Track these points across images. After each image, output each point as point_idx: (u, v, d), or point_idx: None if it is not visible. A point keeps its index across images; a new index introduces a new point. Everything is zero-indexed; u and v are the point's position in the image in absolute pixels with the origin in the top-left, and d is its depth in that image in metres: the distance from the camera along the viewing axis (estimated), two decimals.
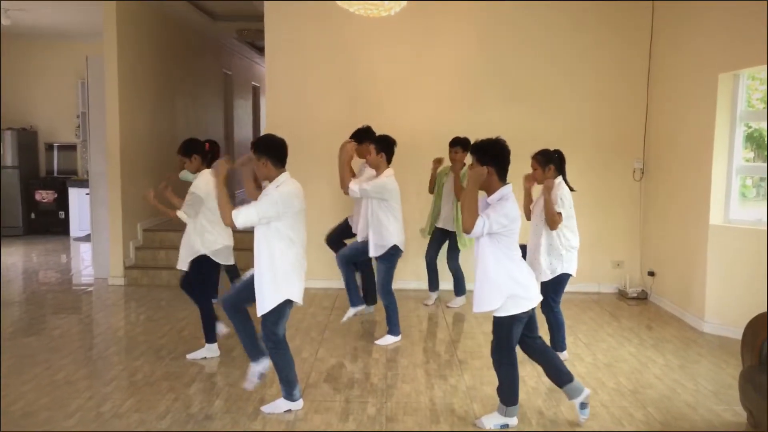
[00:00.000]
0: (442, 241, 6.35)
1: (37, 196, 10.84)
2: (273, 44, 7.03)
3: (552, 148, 4.76)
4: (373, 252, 5.26)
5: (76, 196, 10.43)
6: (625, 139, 6.95)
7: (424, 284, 6.59)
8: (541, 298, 3.77)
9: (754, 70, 5.39)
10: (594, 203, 6.97)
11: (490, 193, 3.67)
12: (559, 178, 4.68)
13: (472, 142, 6.54)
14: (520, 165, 6.95)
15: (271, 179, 3.88)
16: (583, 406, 3.77)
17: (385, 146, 5.25)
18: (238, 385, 4.37)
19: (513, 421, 3.73)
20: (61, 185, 10.80)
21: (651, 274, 6.74)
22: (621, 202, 7.01)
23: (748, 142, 5.70)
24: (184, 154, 4.87)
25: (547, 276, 4.57)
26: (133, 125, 7.63)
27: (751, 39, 5.13)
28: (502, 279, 3.59)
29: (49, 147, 11.20)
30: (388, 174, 5.25)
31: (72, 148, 11.22)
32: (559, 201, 4.56)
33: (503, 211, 3.55)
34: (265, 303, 3.77)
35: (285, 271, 3.78)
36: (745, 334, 3.78)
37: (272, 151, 3.91)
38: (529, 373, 4.54)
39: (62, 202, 10.78)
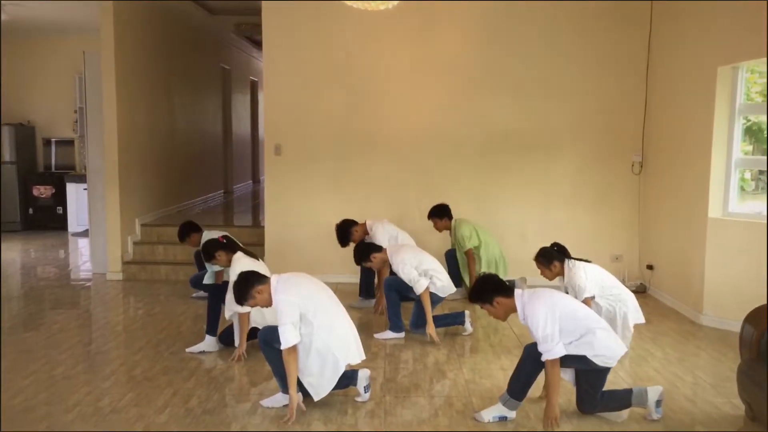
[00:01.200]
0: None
1: (35, 192, 10.82)
2: (270, 39, 7.01)
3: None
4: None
5: (74, 192, 10.41)
6: (624, 133, 6.93)
7: None
8: (618, 357, 3.69)
9: (753, 63, 5.39)
10: (593, 197, 6.97)
11: (514, 311, 3.68)
12: (568, 264, 4.68)
13: (472, 137, 6.62)
14: (517, 158, 7.00)
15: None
16: (658, 404, 3.75)
17: (370, 250, 5.37)
18: (236, 379, 4.37)
19: (512, 415, 3.73)
20: (58, 180, 10.77)
21: (649, 267, 6.75)
22: (620, 195, 7.00)
23: (746, 135, 5.69)
24: (210, 259, 4.92)
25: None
26: (130, 120, 7.61)
27: (750, 32, 5.11)
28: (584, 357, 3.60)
29: (47, 142, 11.18)
30: (388, 257, 5.25)
31: (70, 143, 11.20)
32: (578, 289, 4.57)
33: (541, 314, 3.51)
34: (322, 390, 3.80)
35: (330, 348, 3.77)
36: (744, 328, 3.79)
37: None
38: None
39: (60, 198, 10.75)
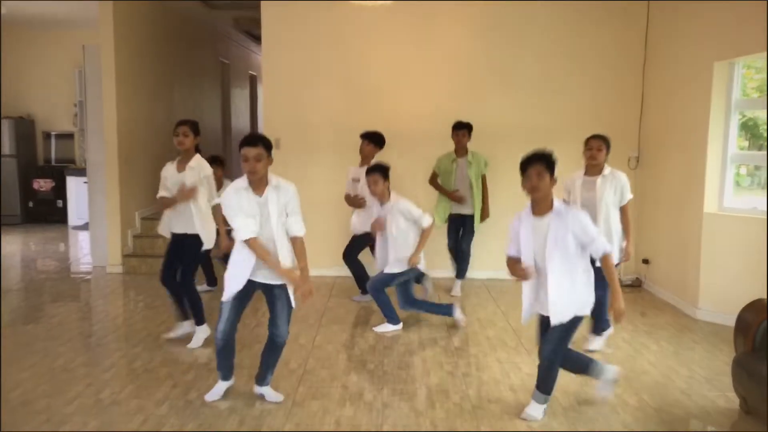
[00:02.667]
0: (460, 225, 6.44)
1: (35, 185, 10.84)
2: (270, 34, 7.02)
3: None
4: (390, 268, 5.23)
5: (74, 185, 10.44)
6: (621, 128, 6.94)
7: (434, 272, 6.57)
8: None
9: (749, 58, 5.41)
10: None
11: (548, 203, 3.67)
12: (608, 167, 4.89)
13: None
14: (514, 153, 6.99)
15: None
16: (610, 382, 3.81)
17: (386, 167, 5.29)
18: (235, 372, 4.40)
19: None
20: (58, 174, 10.80)
21: (645, 261, 6.78)
22: None
23: (742, 131, 5.72)
24: (196, 133, 5.19)
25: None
26: (130, 114, 7.63)
27: (746, 28, 5.14)
28: (591, 286, 3.63)
29: (47, 136, 11.19)
30: (392, 195, 5.27)
31: (69, 136, 11.21)
32: (625, 188, 4.80)
33: (587, 218, 3.59)
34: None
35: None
36: (738, 321, 3.82)
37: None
38: (524, 359, 4.60)
39: (60, 191, 10.79)
